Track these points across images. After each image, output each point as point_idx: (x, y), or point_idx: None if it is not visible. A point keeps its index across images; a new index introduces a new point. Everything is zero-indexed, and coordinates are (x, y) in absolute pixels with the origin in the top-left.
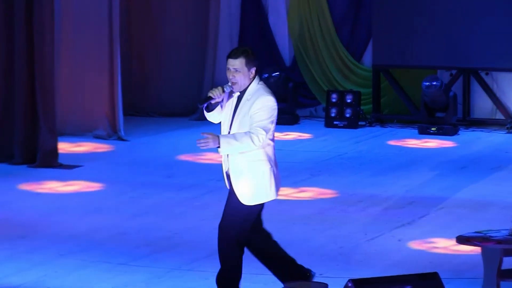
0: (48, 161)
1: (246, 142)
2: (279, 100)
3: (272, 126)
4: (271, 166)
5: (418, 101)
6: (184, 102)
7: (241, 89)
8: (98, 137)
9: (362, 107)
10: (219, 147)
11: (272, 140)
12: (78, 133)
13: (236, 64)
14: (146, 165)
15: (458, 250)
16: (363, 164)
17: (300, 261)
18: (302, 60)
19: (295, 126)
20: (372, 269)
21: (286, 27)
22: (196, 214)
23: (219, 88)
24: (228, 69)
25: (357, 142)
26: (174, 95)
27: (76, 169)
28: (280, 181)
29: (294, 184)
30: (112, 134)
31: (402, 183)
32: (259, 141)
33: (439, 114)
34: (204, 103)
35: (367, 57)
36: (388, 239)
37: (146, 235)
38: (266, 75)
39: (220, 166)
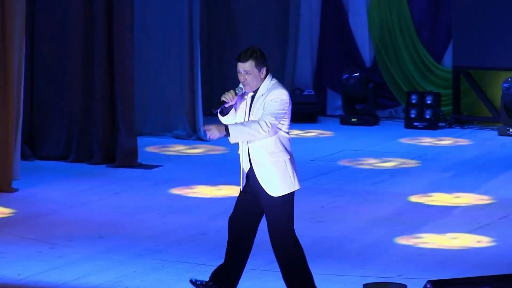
0: (127, 161)
1: (254, 128)
2: (359, 101)
3: (285, 118)
4: (290, 156)
5: (498, 103)
6: None
7: (254, 89)
8: (177, 137)
9: (442, 108)
10: (228, 136)
11: (287, 133)
12: (158, 133)
13: (246, 67)
14: (225, 165)
15: None
16: (443, 165)
17: (379, 261)
18: (382, 61)
19: (375, 127)
20: (451, 271)
21: (366, 28)
22: None
23: (231, 91)
24: (239, 72)
25: (436, 143)
26: None
27: (156, 169)
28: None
29: (372, 185)
30: (191, 134)
31: (480, 185)
32: (267, 126)
33: None
34: (218, 107)
35: (447, 58)
36: (468, 240)
37: (225, 235)
38: (346, 76)
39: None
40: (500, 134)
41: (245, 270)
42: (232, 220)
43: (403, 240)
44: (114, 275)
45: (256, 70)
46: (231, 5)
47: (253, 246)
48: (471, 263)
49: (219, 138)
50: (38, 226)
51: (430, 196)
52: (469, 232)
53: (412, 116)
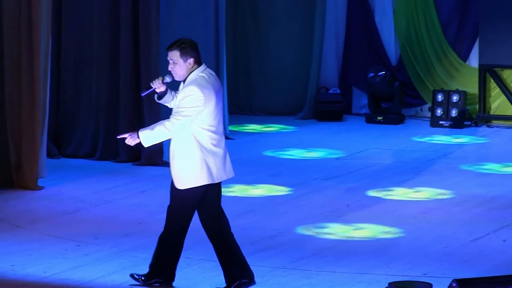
0: (152, 159)
1: (160, 129)
2: (385, 99)
3: (201, 113)
4: (202, 153)
5: None
6: (289, 101)
7: (182, 79)
8: None
9: (467, 107)
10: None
11: (210, 129)
12: None
13: (172, 55)
14: (250, 163)
15: None
16: (468, 164)
17: (404, 260)
18: (408, 59)
19: (400, 125)
20: (477, 270)
21: (392, 26)
22: (301, 213)
23: (160, 78)
24: (168, 61)
25: (461, 141)
26: (279, 93)
27: None
28: (221, 169)
29: (399, 184)
30: None
31: (507, 183)
32: (173, 125)
33: None
34: (145, 91)
35: (474, 57)
36: (493, 239)
37: (250, 234)
38: (371, 74)
39: None
40: None
41: (270, 268)
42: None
43: (428, 239)
44: (140, 273)
45: (181, 60)
46: (256, 3)
47: (276, 245)
48: (495, 261)
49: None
50: (63, 224)
51: (455, 193)
52: (494, 231)
53: (438, 114)
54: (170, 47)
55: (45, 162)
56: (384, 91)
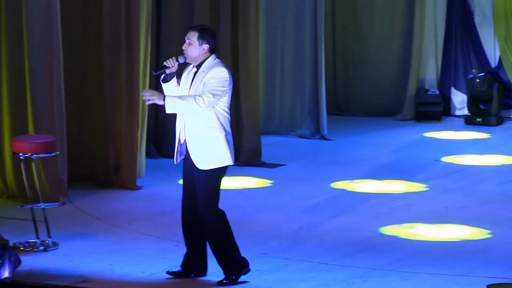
0: (251, 159)
1: (190, 102)
2: (484, 101)
3: (224, 96)
4: (226, 134)
5: None
6: (388, 102)
7: (193, 61)
8: (301, 136)
9: None
10: (164, 104)
11: (228, 112)
12: (282, 132)
13: (190, 35)
14: (349, 164)
15: None
16: None
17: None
18: (508, 61)
19: (499, 127)
20: None
21: (492, 27)
22: (399, 214)
23: (173, 57)
24: (184, 41)
25: None
26: (378, 94)
27: (279, 167)
28: (233, 153)
29: (497, 186)
30: (315, 133)
31: None
32: (204, 102)
33: None
34: (158, 70)
35: None
36: None
37: (348, 235)
38: (471, 76)
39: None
40: None
41: (367, 270)
42: (183, 204)
43: None
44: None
45: (197, 42)
46: (355, 5)
47: (374, 247)
48: None
49: None
50: (162, 224)
51: None
52: None
53: None
54: (192, 27)
55: (144, 162)
56: (483, 92)
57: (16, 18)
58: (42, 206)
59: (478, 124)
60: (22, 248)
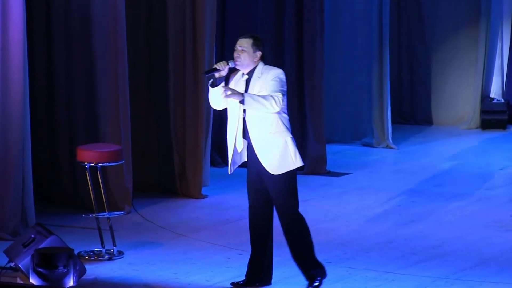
0: (316, 168)
1: (269, 101)
2: None
3: (284, 98)
4: (292, 136)
5: None
6: (453, 110)
7: (244, 68)
8: (366, 145)
9: None
10: (243, 101)
11: (287, 113)
12: (346, 140)
13: (244, 43)
14: (414, 173)
15: None
16: None
17: None
18: None
19: None
20: None
21: None
22: (464, 223)
23: (224, 61)
24: (236, 48)
25: None
26: (443, 103)
27: (344, 176)
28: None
29: None
30: (380, 142)
31: None
32: (278, 104)
33: None
34: (208, 72)
35: None
36: None
37: (413, 244)
38: None
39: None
40: None
41: (432, 279)
42: (251, 213)
43: None
44: (302, 282)
45: (251, 49)
46: (421, 15)
47: (439, 256)
48: None
49: None
50: (227, 232)
51: None
52: None
53: None
54: (244, 35)
55: (209, 171)
56: None
57: (81, 26)
58: (108, 215)
59: None
60: (87, 257)
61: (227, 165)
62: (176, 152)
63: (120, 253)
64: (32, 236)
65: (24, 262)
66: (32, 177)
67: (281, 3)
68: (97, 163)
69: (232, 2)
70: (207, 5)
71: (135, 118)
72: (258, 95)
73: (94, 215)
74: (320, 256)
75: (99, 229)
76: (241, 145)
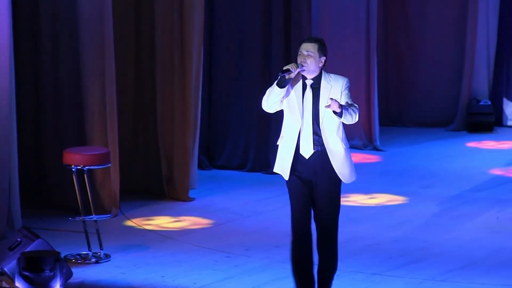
0: None
1: (356, 114)
2: None
3: None
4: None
5: None
6: (439, 113)
7: (310, 74)
8: (353, 147)
9: None
10: (341, 113)
11: None
12: None
13: (310, 47)
14: (401, 175)
15: None
16: None
17: None
18: None
19: None
20: None
21: None
22: (451, 225)
23: (294, 64)
24: (301, 53)
25: None
26: (430, 105)
27: None
28: None
29: None
30: (367, 144)
31: None
32: (358, 114)
33: None
34: (283, 73)
35: None
36: None
37: (400, 246)
38: None
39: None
40: None
41: (420, 280)
42: (300, 233)
43: None
44: (289, 284)
45: (317, 54)
46: (408, 16)
47: (426, 257)
48: None
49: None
50: (214, 235)
51: None
52: None
53: None
54: (309, 40)
55: (196, 173)
56: None
57: (68, 29)
58: (94, 218)
59: None
60: (74, 260)
61: (215, 168)
62: (163, 155)
63: (107, 256)
64: (18, 239)
65: (10, 265)
66: (19, 180)
67: (268, 12)
68: (84, 166)
69: (220, 10)
70: (195, 7)
71: (122, 121)
72: (347, 107)
73: (81, 218)
74: None
75: (86, 232)
76: (310, 152)
